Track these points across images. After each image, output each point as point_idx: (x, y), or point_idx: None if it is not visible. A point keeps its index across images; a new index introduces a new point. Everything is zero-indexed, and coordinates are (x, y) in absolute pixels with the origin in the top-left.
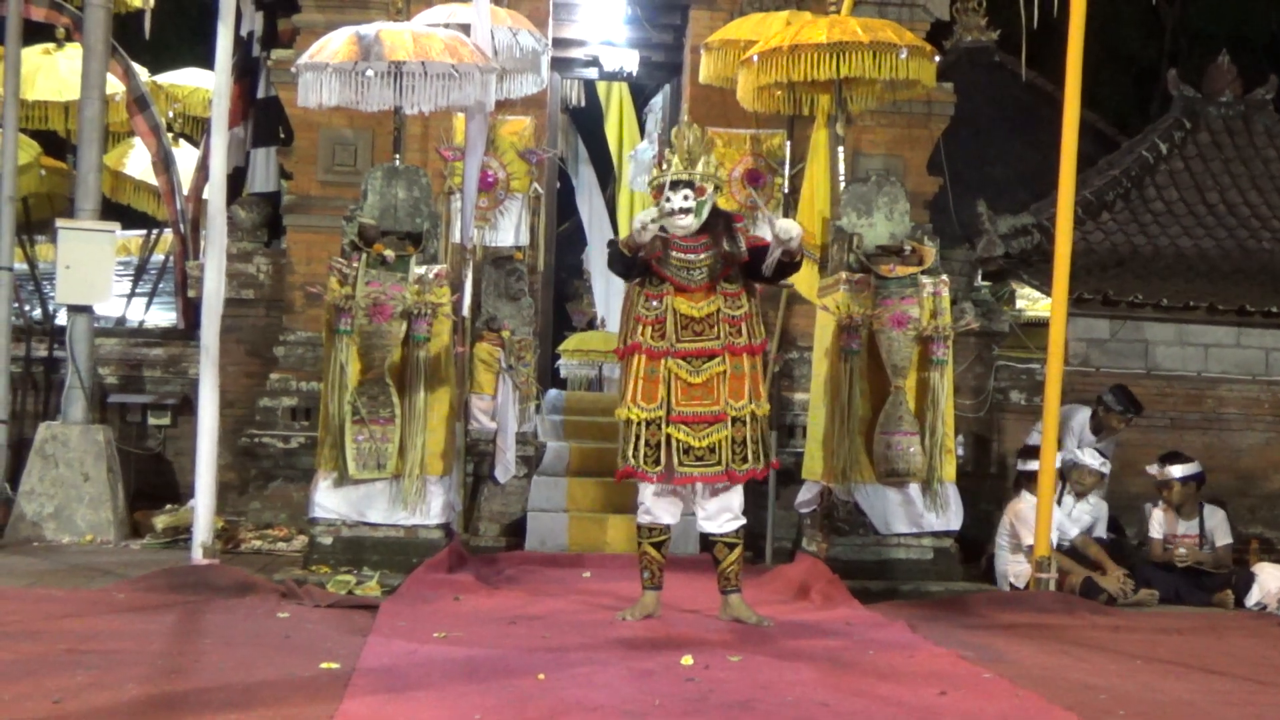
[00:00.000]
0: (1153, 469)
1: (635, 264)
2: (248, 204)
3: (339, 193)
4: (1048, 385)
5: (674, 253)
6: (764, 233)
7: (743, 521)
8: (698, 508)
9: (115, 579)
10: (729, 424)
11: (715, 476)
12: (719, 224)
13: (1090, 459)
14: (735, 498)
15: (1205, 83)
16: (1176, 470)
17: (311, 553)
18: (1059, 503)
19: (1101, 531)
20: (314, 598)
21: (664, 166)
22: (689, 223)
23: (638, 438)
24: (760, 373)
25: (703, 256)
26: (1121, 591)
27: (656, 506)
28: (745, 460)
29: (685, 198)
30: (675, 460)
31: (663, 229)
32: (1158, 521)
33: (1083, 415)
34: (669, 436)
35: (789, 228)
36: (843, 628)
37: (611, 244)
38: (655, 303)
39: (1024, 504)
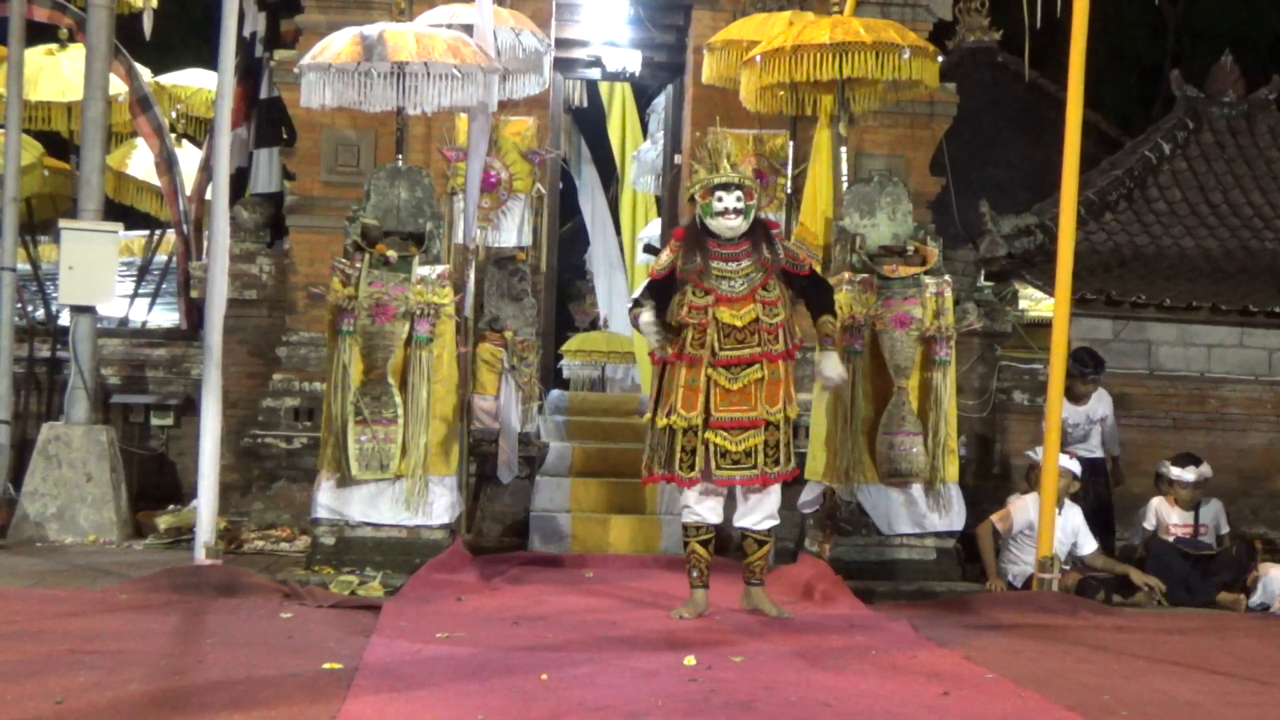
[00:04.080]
0: (1171, 471)
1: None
2: (250, 204)
3: (341, 193)
4: (1050, 386)
5: (714, 263)
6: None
7: (776, 521)
8: (738, 505)
9: (118, 579)
10: (764, 429)
11: (750, 479)
12: (758, 232)
13: (1065, 462)
14: (773, 499)
15: (1208, 83)
16: (1189, 475)
17: (314, 553)
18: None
19: (1087, 546)
20: (316, 598)
21: (700, 171)
22: (738, 224)
23: (673, 444)
24: (792, 376)
25: (744, 264)
26: (1148, 591)
27: (701, 507)
28: (778, 463)
29: (738, 199)
30: (712, 464)
31: (707, 231)
32: (1154, 511)
33: None
34: (707, 441)
35: (831, 375)
36: (845, 628)
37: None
38: (698, 313)
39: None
